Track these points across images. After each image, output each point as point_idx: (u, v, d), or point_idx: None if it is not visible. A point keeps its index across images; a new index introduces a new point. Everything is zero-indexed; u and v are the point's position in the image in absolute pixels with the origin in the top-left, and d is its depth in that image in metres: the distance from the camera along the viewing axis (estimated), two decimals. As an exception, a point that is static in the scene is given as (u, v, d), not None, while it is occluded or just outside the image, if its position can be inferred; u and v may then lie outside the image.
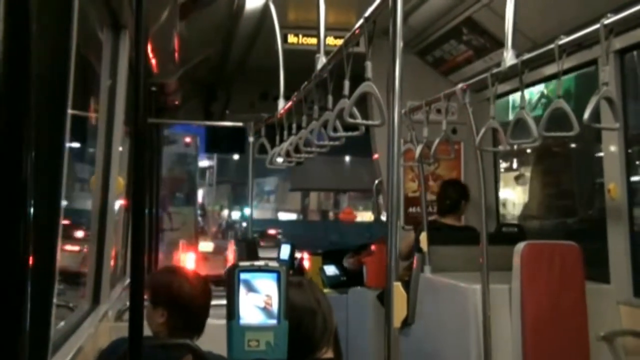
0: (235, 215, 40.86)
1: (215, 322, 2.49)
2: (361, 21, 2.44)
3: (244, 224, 35.19)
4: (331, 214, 38.58)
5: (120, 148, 3.55)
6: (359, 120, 2.65)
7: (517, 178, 5.61)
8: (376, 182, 5.08)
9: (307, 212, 38.87)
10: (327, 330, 2.03)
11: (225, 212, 40.79)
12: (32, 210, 0.88)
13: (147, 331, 2.51)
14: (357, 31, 2.54)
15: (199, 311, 2.56)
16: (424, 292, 4.10)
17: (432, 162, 4.11)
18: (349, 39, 2.65)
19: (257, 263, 1.56)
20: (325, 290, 5.14)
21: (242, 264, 1.56)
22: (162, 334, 2.53)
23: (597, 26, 2.32)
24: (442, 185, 4.92)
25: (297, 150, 3.86)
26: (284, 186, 37.35)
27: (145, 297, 2.58)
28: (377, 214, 5.32)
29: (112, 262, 3.72)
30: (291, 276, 2.24)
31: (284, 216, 36.42)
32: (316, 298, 2.04)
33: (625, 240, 3.55)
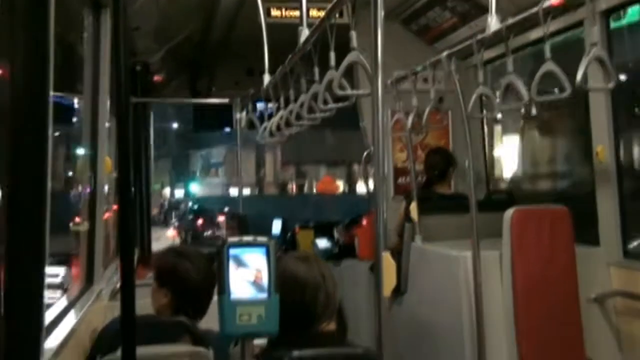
0: (178, 193, 36.58)
1: None
2: None
3: (190, 204, 30.65)
4: (291, 186, 32.90)
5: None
6: (348, 91, 2.64)
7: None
8: (365, 153, 5.08)
9: (264, 186, 33.98)
10: (329, 305, 2.06)
11: (167, 191, 36.14)
12: None
13: (150, 309, 2.53)
14: (338, 2, 2.52)
15: (203, 294, 2.55)
16: (415, 262, 4.12)
17: (422, 131, 4.10)
18: (332, 10, 2.63)
19: (245, 238, 1.57)
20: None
21: (231, 239, 1.56)
22: (164, 314, 2.54)
23: (580, -13, 2.31)
24: (428, 155, 4.89)
25: (287, 124, 3.85)
26: (232, 157, 31.47)
27: (151, 275, 2.60)
28: (367, 185, 5.32)
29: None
30: (299, 252, 2.26)
31: (235, 191, 30.82)
32: (321, 273, 2.07)
33: (614, 202, 3.57)
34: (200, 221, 25.93)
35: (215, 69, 6.47)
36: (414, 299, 4.10)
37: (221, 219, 26.11)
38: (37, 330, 1.10)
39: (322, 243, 5.99)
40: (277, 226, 6.63)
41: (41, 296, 1.22)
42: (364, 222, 5.34)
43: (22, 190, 0.96)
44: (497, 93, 2.98)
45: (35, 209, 1.15)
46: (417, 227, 4.12)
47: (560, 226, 3.46)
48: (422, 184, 4.70)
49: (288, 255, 2.16)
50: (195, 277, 2.53)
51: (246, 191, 30.78)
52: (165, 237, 23.06)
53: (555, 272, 3.40)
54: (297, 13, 4.68)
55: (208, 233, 24.85)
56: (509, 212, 3.43)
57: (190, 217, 26.61)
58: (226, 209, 25.67)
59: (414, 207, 4.14)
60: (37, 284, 1.12)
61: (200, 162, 39.47)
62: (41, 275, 1.25)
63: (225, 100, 5.72)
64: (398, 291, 4.13)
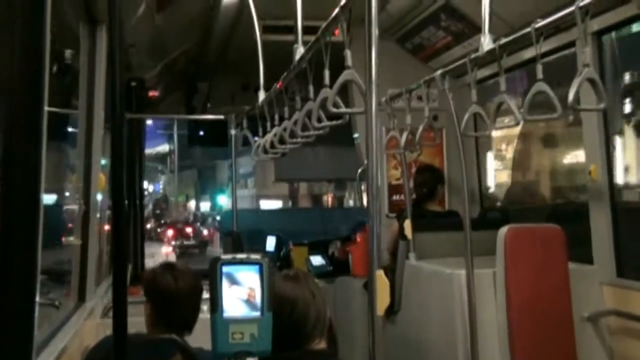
0: (204, 206, 33.89)
1: (202, 316, 2.49)
2: (337, 10, 2.43)
3: (218, 218, 28.02)
4: (327, 198, 29.83)
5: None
6: (342, 109, 2.65)
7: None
8: (359, 170, 5.08)
9: (298, 198, 31.09)
10: (320, 323, 2.06)
11: (192, 203, 33.35)
12: None
13: (143, 327, 2.52)
14: (333, 20, 2.53)
15: (182, 307, 2.54)
16: (409, 280, 4.11)
17: (417, 149, 4.12)
18: (326, 29, 2.65)
19: (239, 255, 1.56)
20: (312, 280, 5.13)
21: (224, 256, 1.56)
22: (149, 328, 2.54)
23: (572, 8, 2.33)
24: (417, 173, 4.90)
25: (281, 141, 3.85)
26: (260, 167, 28.78)
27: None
28: (361, 202, 5.33)
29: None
30: (286, 269, 2.27)
31: (267, 204, 28.53)
32: (311, 291, 2.07)
33: (607, 221, 3.58)
34: (171, 232, 26.13)
35: (211, 85, 6.49)
36: (408, 317, 4.09)
37: (188, 230, 26.18)
38: (26, 349, 1.09)
39: (317, 260, 5.96)
40: (271, 243, 6.61)
41: (31, 313, 1.22)
42: (358, 239, 5.33)
43: (14, 205, 0.95)
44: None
45: (28, 224, 1.15)
46: (411, 245, 4.12)
47: (553, 245, 3.46)
48: (412, 202, 4.71)
49: (277, 274, 2.16)
50: (174, 288, 2.53)
51: (277, 204, 28.27)
52: (160, 254, 22.32)
53: (549, 290, 3.40)
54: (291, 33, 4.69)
55: (178, 242, 24.89)
56: (503, 230, 3.44)
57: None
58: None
59: (408, 224, 4.14)
60: (27, 301, 1.11)
61: (228, 173, 35.04)
62: (32, 292, 1.24)
63: (220, 117, 5.72)
64: (392, 309, 4.12)
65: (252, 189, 32.75)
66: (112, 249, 1.39)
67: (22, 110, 1.16)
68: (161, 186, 34.28)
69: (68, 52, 3.30)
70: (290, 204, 30.32)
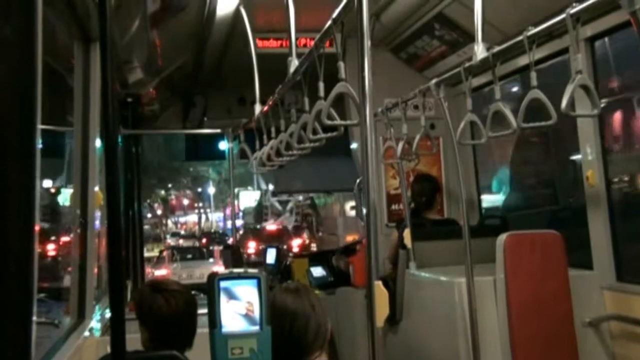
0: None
1: (201, 330, 2.48)
2: (329, 23, 2.44)
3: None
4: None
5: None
6: (337, 121, 2.66)
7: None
8: (357, 181, 5.08)
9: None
10: (320, 335, 2.06)
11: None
12: None
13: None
14: (325, 33, 2.54)
15: (178, 326, 2.50)
16: (410, 289, 4.10)
17: (413, 158, 4.12)
18: (320, 40, 2.65)
19: (236, 270, 1.56)
20: (313, 292, 5.11)
21: (222, 271, 1.56)
22: (148, 349, 2.51)
23: (563, 16, 2.34)
24: (414, 182, 4.89)
25: (278, 153, 3.86)
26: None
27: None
28: (360, 213, 5.32)
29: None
30: (288, 283, 2.27)
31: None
32: (311, 304, 2.08)
33: (605, 226, 3.58)
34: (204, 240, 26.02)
35: (207, 99, 6.51)
36: (409, 326, 4.08)
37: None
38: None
39: (317, 271, 5.95)
40: (271, 255, 6.60)
41: (28, 330, 1.21)
42: (359, 249, 5.32)
43: (8, 226, 0.95)
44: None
45: (23, 241, 1.14)
46: (411, 254, 4.11)
47: (552, 251, 3.46)
48: (411, 211, 4.70)
49: (278, 287, 2.16)
50: (167, 310, 2.49)
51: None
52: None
53: (549, 296, 3.39)
54: (286, 43, 4.71)
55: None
56: (502, 238, 3.43)
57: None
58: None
59: (407, 234, 4.13)
60: (24, 318, 1.10)
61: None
62: (29, 309, 1.24)
63: (217, 130, 5.74)
64: (393, 319, 4.11)
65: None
66: (108, 267, 1.38)
67: (15, 127, 1.16)
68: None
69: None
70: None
